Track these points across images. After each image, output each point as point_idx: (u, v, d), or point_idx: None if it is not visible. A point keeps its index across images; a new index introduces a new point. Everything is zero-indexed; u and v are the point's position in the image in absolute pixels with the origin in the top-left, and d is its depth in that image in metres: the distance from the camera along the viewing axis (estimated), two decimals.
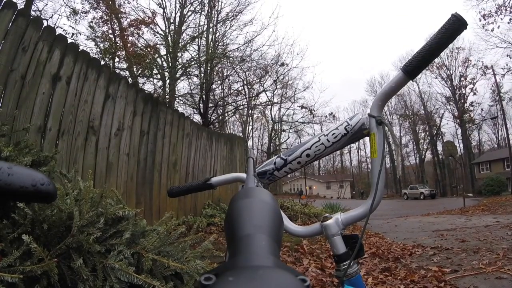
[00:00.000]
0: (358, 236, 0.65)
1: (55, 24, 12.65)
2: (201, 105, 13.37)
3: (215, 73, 14.73)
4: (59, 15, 25.85)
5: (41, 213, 1.25)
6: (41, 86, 2.74)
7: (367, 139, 0.72)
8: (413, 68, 0.61)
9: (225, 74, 15.63)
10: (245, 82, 16.91)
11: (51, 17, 14.72)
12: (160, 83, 14.22)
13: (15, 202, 1.23)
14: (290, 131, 26.97)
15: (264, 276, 0.22)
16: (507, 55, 22.94)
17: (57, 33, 2.94)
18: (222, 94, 16.87)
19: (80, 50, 3.18)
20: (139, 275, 1.29)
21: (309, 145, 0.76)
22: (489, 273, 3.16)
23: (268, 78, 16.91)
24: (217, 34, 14.64)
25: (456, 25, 0.57)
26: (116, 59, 12.47)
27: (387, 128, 0.67)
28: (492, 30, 21.22)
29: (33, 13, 11.09)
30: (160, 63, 13.66)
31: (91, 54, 3.45)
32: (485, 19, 20.13)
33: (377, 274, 3.33)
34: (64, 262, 1.25)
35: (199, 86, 13.92)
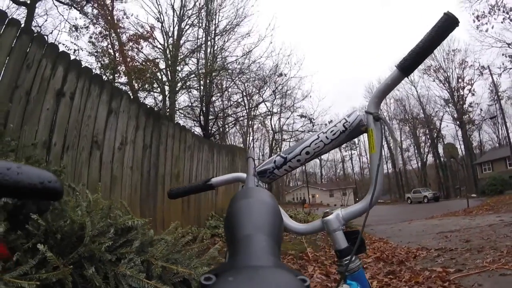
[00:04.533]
0: (359, 231, 0.67)
1: (55, 40, 12.87)
2: (201, 117, 13.47)
3: (214, 86, 14.87)
4: (59, 30, 26.22)
5: (54, 224, 1.30)
6: (45, 102, 2.80)
7: (366, 138, 0.74)
8: (408, 65, 0.63)
9: (224, 86, 15.78)
10: (244, 94, 17.07)
11: (51, 32, 14.98)
12: (160, 97, 14.37)
13: (28, 213, 1.28)
14: (291, 140, 26.91)
15: (264, 276, 0.23)
16: (503, 54, 23.16)
17: (60, 50, 3.02)
18: (222, 106, 16.99)
19: (83, 66, 3.26)
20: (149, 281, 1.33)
21: (309, 142, 0.78)
22: (493, 270, 3.17)
23: (267, 88, 17.08)
24: (216, 47, 14.85)
25: (447, 23, 0.59)
26: (116, 74, 12.63)
27: (385, 124, 0.69)
28: (487, 31, 21.54)
29: (33, 28, 11.26)
30: (160, 77, 13.82)
31: (92, 69, 3.52)
32: (479, 20, 20.49)
33: (382, 277, 3.34)
34: (77, 271, 1.29)
35: (199, 99, 14.05)
